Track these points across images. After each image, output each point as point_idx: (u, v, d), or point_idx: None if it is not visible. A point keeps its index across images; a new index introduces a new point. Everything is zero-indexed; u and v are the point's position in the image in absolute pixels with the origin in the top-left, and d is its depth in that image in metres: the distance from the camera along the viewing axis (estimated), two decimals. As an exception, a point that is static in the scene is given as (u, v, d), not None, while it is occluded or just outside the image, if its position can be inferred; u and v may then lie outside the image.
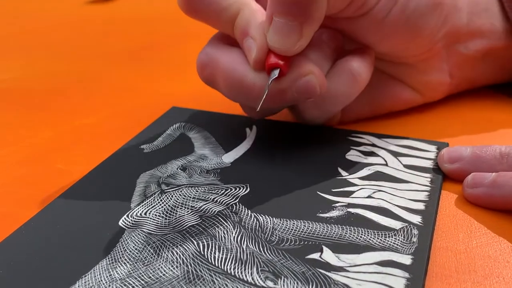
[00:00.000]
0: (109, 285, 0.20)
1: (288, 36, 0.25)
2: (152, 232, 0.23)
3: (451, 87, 0.34)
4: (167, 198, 0.25)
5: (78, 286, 0.20)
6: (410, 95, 0.33)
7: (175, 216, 0.24)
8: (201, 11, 0.27)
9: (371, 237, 0.22)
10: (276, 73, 0.26)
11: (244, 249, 0.22)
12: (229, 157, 0.29)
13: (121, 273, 0.21)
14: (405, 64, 0.32)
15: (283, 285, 0.20)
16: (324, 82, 0.27)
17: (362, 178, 0.27)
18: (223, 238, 0.22)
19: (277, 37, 0.25)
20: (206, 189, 0.26)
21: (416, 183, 0.26)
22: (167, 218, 0.24)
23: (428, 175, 0.27)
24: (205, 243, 0.22)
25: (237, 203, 0.25)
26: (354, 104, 0.32)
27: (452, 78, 0.33)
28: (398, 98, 0.33)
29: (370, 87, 0.31)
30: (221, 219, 0.24)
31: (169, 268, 0.21)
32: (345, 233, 0.23)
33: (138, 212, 0.24)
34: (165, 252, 0.22)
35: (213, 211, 0.24)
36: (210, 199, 0.25)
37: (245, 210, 0.24)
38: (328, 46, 0.28)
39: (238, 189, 0.26)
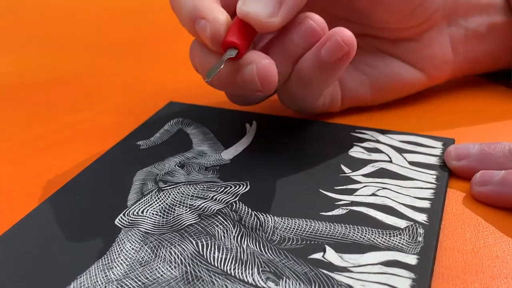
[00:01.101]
0: (105, 286, 0.20)
1: (267, 2, 0.24)
2: (149, 231, 0.23)
3: (455, 67, 0.34)
4: (165, 196, 0.25)
5: (73, 287, 0.20)
6: (413, 74, 0.33)
7: (173, 214, 0.24)
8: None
9: (375, 236, 0.22)
10: (233, 53, 0.24)
11: (245, 249, 0.22)
12: (228, 154, 0.29)
13: (118, 274, 0.21)
14: (406, 40, 0.32)
15: (285, 286, 0.20)
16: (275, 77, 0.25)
17: (365, 175, 0.27)
18: (222, 237, 0.22)
19: (253, 3, 0.24)
20: (205, 186, 0.26)
21: (422, 181, 0.26)
22: (165, 216, 0.24)
23: (433, 172, 0.27)
24: (204, 243, 0.22)
25: (237, 201, 0.25)
26: (355, 87, 0.32)
27: (455, 55, 0.33)
28: (401, 78, 0.33)
29: (369, 68, 0.32)
30: (221, 218, 0.24)
31: (167, 268, 0.21)
32: (349, 232, 0.23)
33: (134, 210, 0.24)
34: (162, 252, 0.22)
35: (212, 209, 0.24)
36: (209, 197, 0.25)
37: (245, 208, 0.24)
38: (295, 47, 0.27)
39: (238, 186, 0.26)
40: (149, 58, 0.46)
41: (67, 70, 0.44)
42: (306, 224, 0.23)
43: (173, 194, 0.25)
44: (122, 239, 0.22)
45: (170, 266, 0.21)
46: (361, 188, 0.26)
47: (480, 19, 0.33)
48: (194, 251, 0.22)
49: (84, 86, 0.41)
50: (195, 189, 0.26)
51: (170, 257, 0.21)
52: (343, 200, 0.25)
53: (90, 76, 0.43)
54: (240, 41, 0.24)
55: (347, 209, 0.24)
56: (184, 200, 0.25)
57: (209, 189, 0.26)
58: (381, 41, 0.32)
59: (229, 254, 0.21)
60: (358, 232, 0.22)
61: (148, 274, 0.21)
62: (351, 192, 0.25)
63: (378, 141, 0.30)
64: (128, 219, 0.24)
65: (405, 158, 0.28)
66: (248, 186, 0.26)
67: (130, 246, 0.22)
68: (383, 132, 0.30)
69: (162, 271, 0.21)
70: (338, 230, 0.23)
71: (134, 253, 0.22)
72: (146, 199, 0.25)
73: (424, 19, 0.31)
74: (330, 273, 0.20)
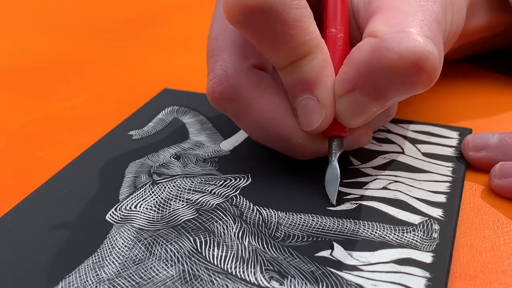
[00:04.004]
0: (96, 286, 0.20)
1: (363, 113, 0.23)
2: (143, 227, 0.23)
3: None
4: (160, 189, 0.25)
5: (62, 287, 0.20)
6: None
7: (169, 209, 0.24)
8: (260, 28, 0.22)
9: (387, 233, 0.22)
10: (340, 145, 0.24)
11: (246, 246, 0.22)
12: (228, 144, 0.29)
13: (109, 273, 0.21)
14: None
15: (290, 286, 0.20)
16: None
17: (376, 168, 0.26)
18: (222, 233, 0.22)
19: (350, 113, 0.23)
20: (203, 179, 0.26)
21: (437, 173, 0.26)
22: (160, 211, 0.24)
23: (449, 164, 0.27)
24: (203, 240, 0.22)
25: (238, 195, 0.25)
26: None
27: None
28: None
29: None
30: (220, 213, 0.24)
31: (162, 267, 0.21)
32: (358, 228, 0.22)
33: (127, 205, 0.24)
34: (158, 250, 0.22)
35: (211, 204, 0.24)
36: (208, 190, 0.25)
37: (246, 203, 0.24)
38: None
39: (238, 179, 0.26)
40: (142, 41, 0.46)
41: (52, 54, 0.44)
42: (312, 220, 0.23)
43: (168, 187, 0.25)
44: (114, 236, 0.22)
45: (166, 265, 0.21)
46: (372, 181, 0.25)
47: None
48: (192, 248, 0.22)
49: (71, 71, 0.41)
50: (192, 182, 0.26)
51: (166, 254, 0.21)
52: (352, 194, 0.25)
53: (77, 61, 0.43)
54: (345, 131, 0.24)
55: (357, 203, 0.24)
56: (180, 194, 0.25)
57: (208, 182, 0.26)
58: None
59: (229, 251, 0.21)
60: (369, 228, 0.22)
61: (142, 273, 0.21)
62: (361, 185, 0.25)
63: (389, 131, 0.30)
64: (120, 214, 0.24)
65: (418, 149, 0.28)
66: (250, 179, 0.26)
67: (122, 243, 0.22)
68: (394, 121, 0.30)
69: (158, 270, 0.21)
70: (347, 226, 0.23)
71: (127, 251, 0.22)
72: (140, 193, 0.25)
73: None
74: (338, 272, 0.20)
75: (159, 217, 0.23)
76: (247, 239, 0.22)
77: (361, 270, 0.20)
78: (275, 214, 0.23)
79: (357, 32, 0.25)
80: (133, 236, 0.22)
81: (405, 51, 0.21)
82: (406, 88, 0.22)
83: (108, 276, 0.20)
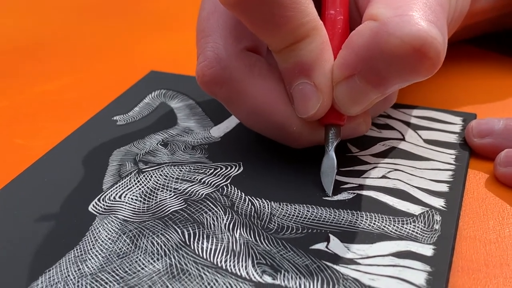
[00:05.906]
0: (78, 281, 0.20)
1: (362, 101, 0.23)
2: (128, 219, 0.23)
3: None
4: (146, 178, 0.25)
5: (42, 281, 0.20)
6: None
7: (155, 199, 0.24)
8: (255, 10, 0.22)
9: (386, 224, 0.22)
10: (337, 134, 0.24)
11: (237, 239, 0.22)
12: (218, 131, 0.29)
13: (92, 267, 0.20)
14: None
15: (283, 280, 0.20)
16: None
17: (375, 155, 0.26)
18: (212, 225, 0.22)
19: (349, 100, 0.23)
20: (192, 168, 0.26)
21: (439, 161, 0.26)
22: (146, 202, 0.24)
23: (452, 151, 0.27)
24: (191, 232, 0.22)
25: (229, 184, 0.25)
26: None
27: None
28: None
29: None
30: (210, 204, 0.23)
31: (148, 260, 0.21)
32: (356, 219, 0.22)
33: (111, 195, 0.24)
34: (143, 242, 0.21)
35: (200, 194, 0.24)
36: (197, 180, 0.25)
37: (238, 192, 0.24)
38: None
39: (229, 168, 0.26)
40: (125, 20, 0.45)
41: (32, 35, 0.43)
42: (307, 211, 0.23)
43: (155, 176, 0.25)
44: (97, 228, 0.22)
45: (152, 258, 0.21)
46: (370, 169, 0.25)
47: None
48: (180, 241, 0.22)
49: (52, 52, 0.40)
50: (181, 170, 0.26)
51: (152, 247, 0.21)
52: (350, 183, 0.25)
53: (59, 42, 0.42)
54: (343, 119, 0.24)
55: (354, 193, 0.24)
56: (168, 183, 0.25)
57: (197, 170, 0.25)
58: None
59: (219, 244, 0.21)
60: (367, 219, 0.22)
61: (127, 267, 0.20)
62: (359, 174, 0.25)
63: (389, 117, 0.29)
64: (103, 204, 0.24)
65: (420, 136, 0.28)
66: (241, 168, 0.26)
67: (106, 236, 0.22)
68: (394, 106, 0.30)
69: (143, 264, 0.21)
70: (343, 217, 0.23)
71: (111, 244, 0.22)
72: (125, 182, 0.25)
73: None
74: (334, 266, 0.20)
75: (145, 208, 0.23)
76: (238, 231, 0.22)
77: (358, 263, 0.20)
78: (268, 205, 0.23)
79: (357, 14, 0.25)
80: (117, 228, 0.22)
81: (407, 36, 0.20)
82: (408, 75, 0.21)
83: (91, 271, 0.20)
